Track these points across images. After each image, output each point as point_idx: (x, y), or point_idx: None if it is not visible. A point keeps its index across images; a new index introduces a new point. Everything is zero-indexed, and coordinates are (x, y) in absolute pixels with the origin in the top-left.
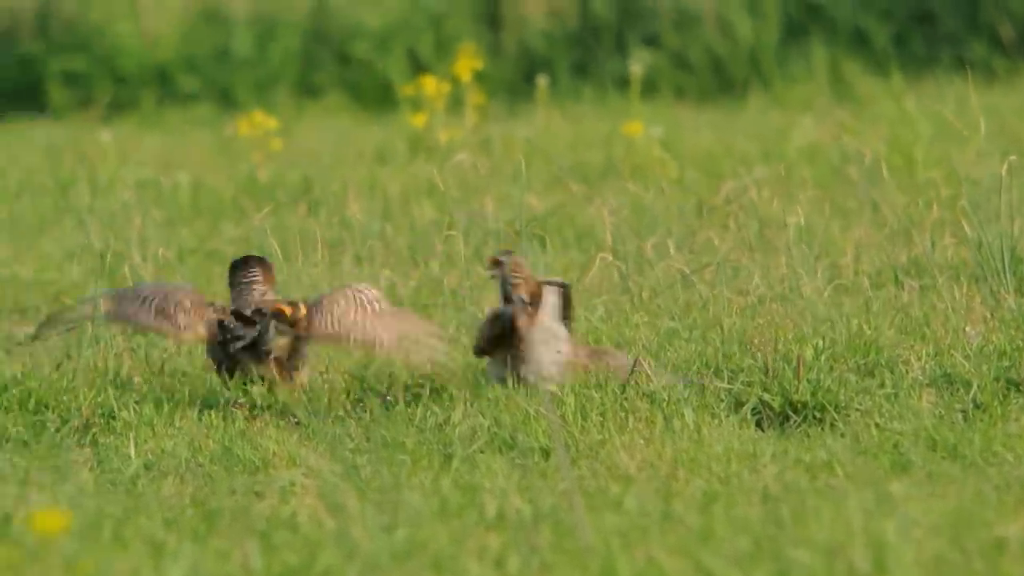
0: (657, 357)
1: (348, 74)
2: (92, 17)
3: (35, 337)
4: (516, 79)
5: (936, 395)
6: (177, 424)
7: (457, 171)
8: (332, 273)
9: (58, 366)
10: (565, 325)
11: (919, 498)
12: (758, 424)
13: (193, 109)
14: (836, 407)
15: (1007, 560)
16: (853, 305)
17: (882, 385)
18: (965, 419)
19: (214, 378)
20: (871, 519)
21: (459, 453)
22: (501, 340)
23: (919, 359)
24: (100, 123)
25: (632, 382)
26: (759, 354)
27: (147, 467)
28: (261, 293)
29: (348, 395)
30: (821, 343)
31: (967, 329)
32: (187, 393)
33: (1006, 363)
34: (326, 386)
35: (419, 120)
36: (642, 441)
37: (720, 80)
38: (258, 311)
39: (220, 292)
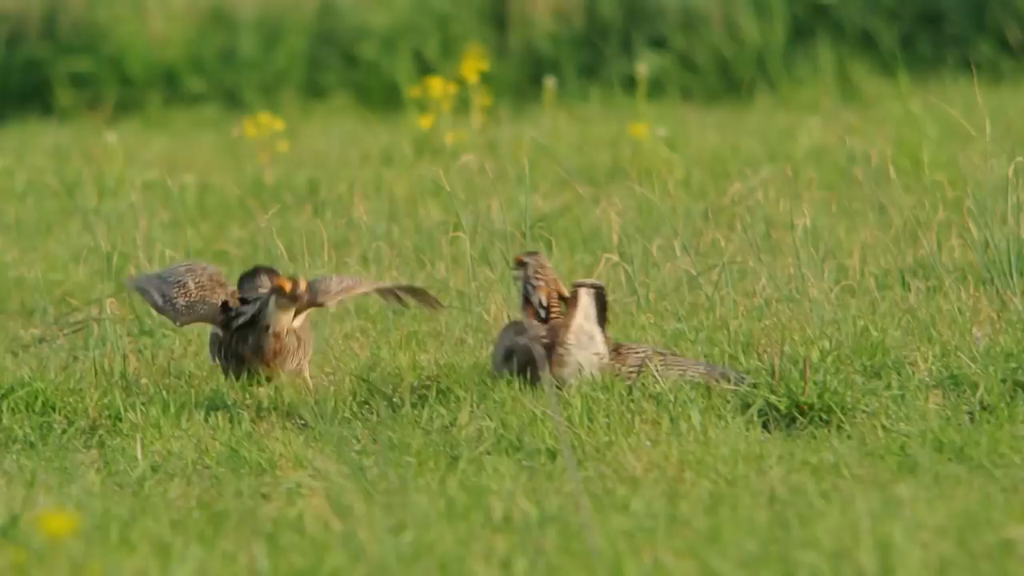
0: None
1: (354, 75)
2: (99, 18)
3: (43, 339)
4: (522, 80)
5: (943, 397)
6: (184, 426)
7: (463, 172)
8: (338, 274)
9: (65, 368)
10: (600, 326)
11: (926, 500)
12: (765, 426)
13: (199, 110)
14: (843, 409)
15: (1014, 562)
16: (859, 306)
17: (889, 387)
18: (972, 421)
19: (221, 380)
20: (878, 521)
21: (465, 455)
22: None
23: (926, 361)
24: (106, 124)
25: (639, 384)
26: (765, 356)
27: (154, 469)
28: None
29: (354, 397)
30: (827, 345)
31: (974, 331)
32: (194, 395)
33: (1013, 365)
34: (332, 388)
35: (425, 121)
36: (648, 443)
37: (727, 81)
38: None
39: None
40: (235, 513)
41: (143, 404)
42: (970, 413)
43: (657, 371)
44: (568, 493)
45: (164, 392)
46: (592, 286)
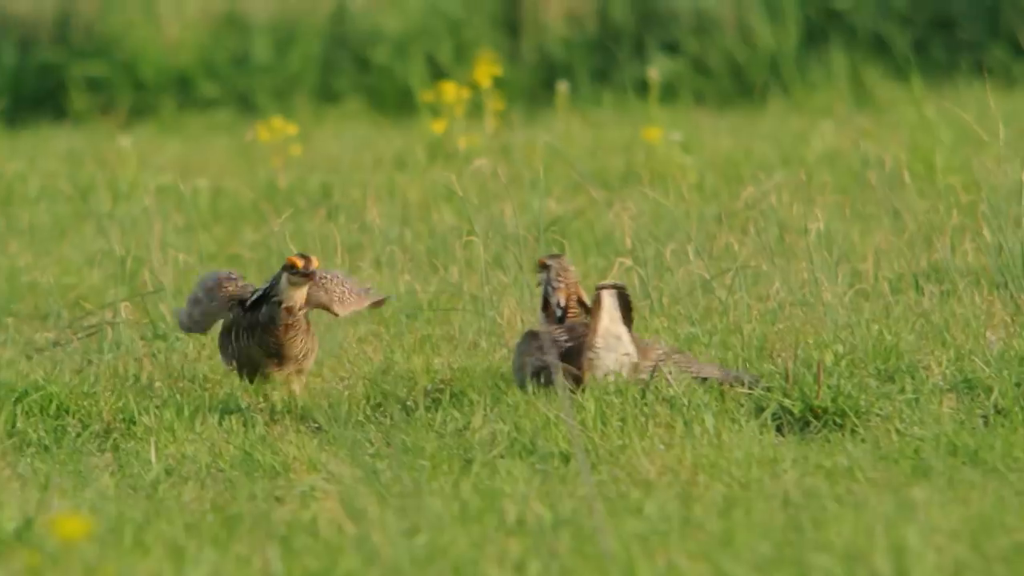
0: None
1: (367, 80)
2: (112, 23)
3: (57, 343)
4: (535, 85)
5: (957, 400)
6: (198, 429)
7: (476, 177)
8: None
9: (79, 371)
10: (627, 327)
11: (940, 504)
12: (778, 429)
13: (213, 115)
14: (856, 412)
15: None
16: (873, 310)
17: (902, 391)
18: (986, 424)
19: (235, 383)
20: (892, 525)
21: (479, 458)
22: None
23: (939, 364)
24: (120, 129)
25: (652, 387)
26: (779, 360)
27: (168, 472)
28: None
29: (368, 400)
30: (841, 348)
31: (987, 335)
32: (208, 398)
33: None
34: (346, 392)
35: (438, 126)
36: (662, 446)
37: (740, 85)
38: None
39: None
40: (249, 516)
41: (157, 408)
42: (984, 417)
43: (670, 372)
44: (582, 496)
45: (178, 396)
46: (614, 287)
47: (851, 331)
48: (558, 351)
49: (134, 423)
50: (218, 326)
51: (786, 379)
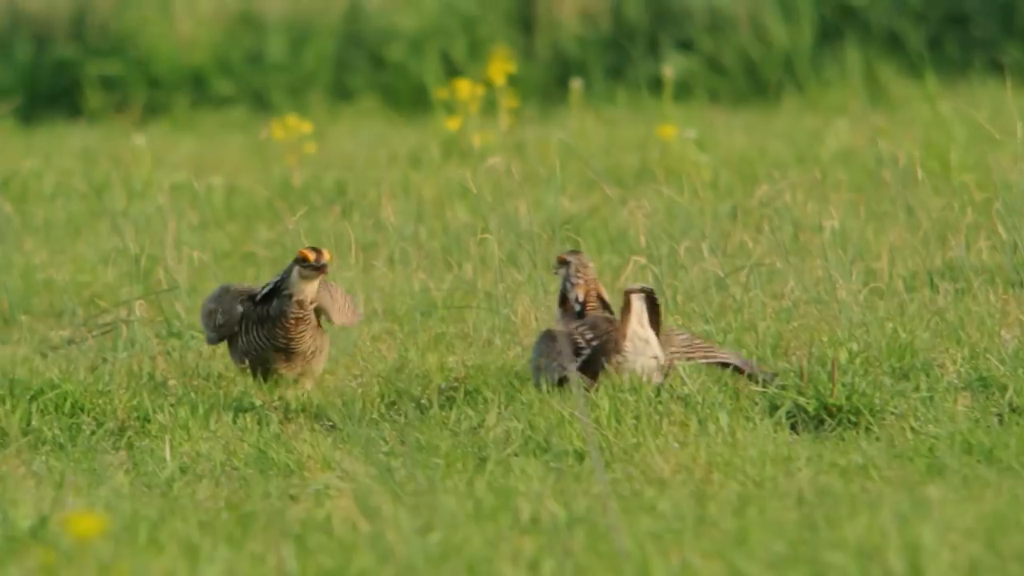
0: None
1: (382, 77)
2: (127, 21)
3: (72, 341)
4: (549, 82)
5: (971, 399)
6: (212, 427)
7: (491, 174)
8: (366, 276)
9: (94, 369)
10: (654, 329)
11: (954, 502)
12: (793, 427)
13: (227, 113)
14: (871, 411)
15: None
16: (888, 308)
17: (917, 389)
18: (1001, 423)
19: (249, 381)
20: (906, 523)
21: (493, 456)
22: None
23: (954, 363)
24: (135, 126)
25: (667, 384)
26: (794, 358)
27: (182, 470)
28: None
29: (382, 399)
30: (856, 346)
31: (1002, 333)
32: (222, 396)
33: None
34: (360, 390)
35: (453, 123)
36: (676, 444)
37: (754, 83)
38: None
39: None
40: (263, 514)
41: (172, 406)
42: (999, 415)
43: (692, 359)
44: (596, 495)
45: (193, 394)
46: (642, 290)
47: (866, 329)
48: (588, 350)
49: (149, 421)
50: None
51: (801, 377)
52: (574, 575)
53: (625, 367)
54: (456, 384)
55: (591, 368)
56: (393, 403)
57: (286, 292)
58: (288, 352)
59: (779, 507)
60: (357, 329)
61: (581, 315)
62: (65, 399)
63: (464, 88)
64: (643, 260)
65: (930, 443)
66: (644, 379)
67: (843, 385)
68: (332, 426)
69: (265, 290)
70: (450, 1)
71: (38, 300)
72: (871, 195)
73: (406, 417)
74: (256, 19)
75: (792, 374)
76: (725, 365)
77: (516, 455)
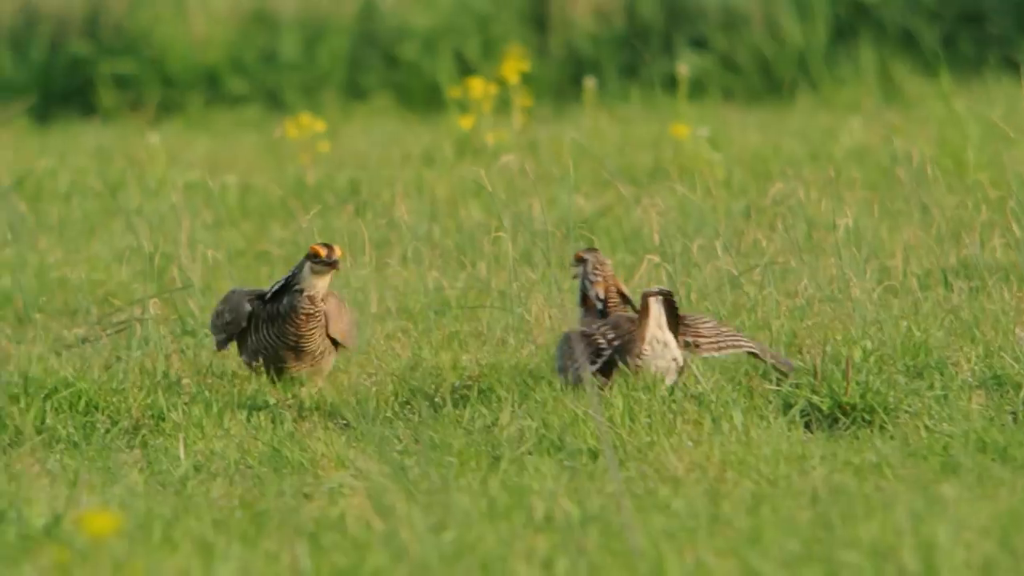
0: (705, 359)
1: (395, 76)
2: (141, 20)
3: (86, 339)
4: (563, 81)
5: (986, 397)
6: (226, 425)
7: (504, 173)
8: (380, 275)
9: (108, 368)
10: (673, 332)
11: (969, 500)
12: (807, 426)
13: (241, 111)
14: (885, 409)
15: None
16: (902, 307)
17: (931, 387)
18: (1015, 421)
19: (263, 379)
20: (920, 521)
21: (507, 455)
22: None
23: (969, 361)
24: (149, 125)
25: (680, 383)
26: (808, 356)
27: (196, 468)
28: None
29: (396, 397)
30: (870, 345)
31: (1017, 331)
32: (236, 394)
33: None
34: (374, 388)
35: (466, 122)
36: (690, 443)
37: (768, 81)
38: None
39: None
40: (277, 513)
41: (186, 404)
42: (1013, 413)
43: (722, 348)
44: (610, 493)
45: (207, 392)
46: (660, 293)
47: (880, 327)
48: (609, 351)
49: (163, 419)
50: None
51: (815, 375)
52: (588, 574)
53: (644, 370)
54: (470, 383)
55: (612, 369)
56: (407, 402)
57: (297, 288)
58: (298, 350)
59: (793, 506)
60: (371, 328)
61: (604, 313)
62: (79, 397)
63: (478, 87)
64: (657, 259)
65: (944, 441)
66: (667, 381)
67: (857, 383)
68: (346, 424)
69: (276, 287)
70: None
71: (52, 299)
72: (885, 193)
73: (420, 415)
74: (270, 18)
75: (806, 373)
76: (750, 354)
77: (530, 453)
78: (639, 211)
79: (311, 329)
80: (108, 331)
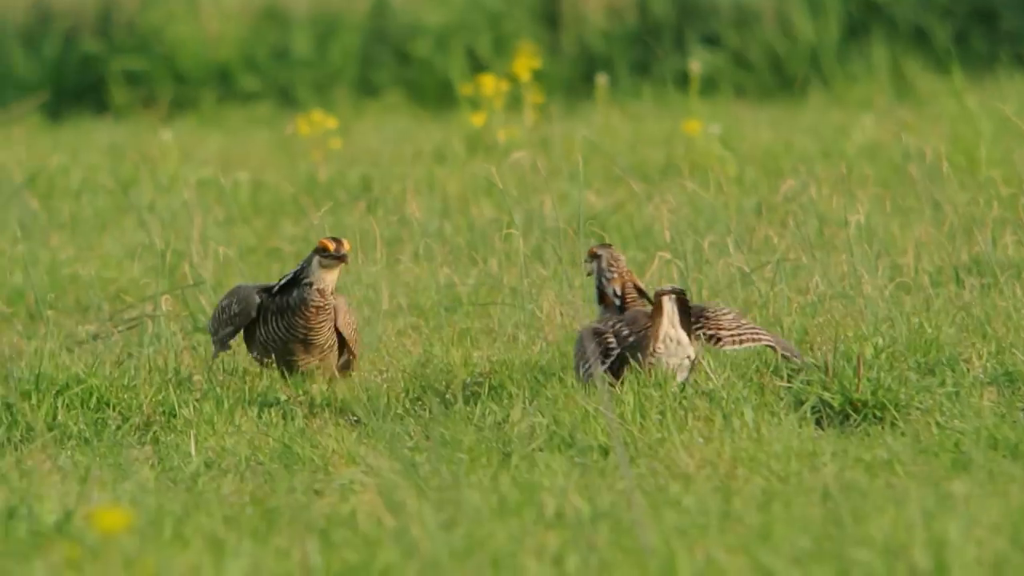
0: (716, 356)
1: (407, 73)
2: (153, 17)
3: (97, 336)
4: (575, 78)
5: (997, 394)
6: (237, 422)
7: (516, 170)
8: (391, 271)
9: (119, 364)
10: (686, 330)
11: (980, 497)
12: (818, 423)
13: (253, 108)
14: (896, 406)
15: None
16: (914, 303)
17: (943, 384)
18: None
19: (274, 376)
20: (932, 518)
21: (518, 451)
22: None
23: (980, 358)
24: (161, 122)
25: (692, 380)
26: (819, 353)
27: (207, 465)
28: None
29: (407, 394)
30: (881, 341)
31: None
32: (247, 391)
33: None
34: (385, 385)
35: (478, 119)
36: (701, 439)
37: (780, 78)
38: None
39: None
40: (288, 509)
41: (197, 400)
42: None
43: (742, 340)
44: (621, 490)
45: (218, 388)
46: (673, 291)
47: (891, 324)
48: (618, 350)
49: (174, 416)
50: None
51: (826, 372)
52: (599, 570)
53: (657, 368)
54: (481, 379)
55: (623, 367)
56: (418, 398)
57: (306, 281)
58: (307, 343)
59: (804, 502)
60: (382, 324)
61: (622, 309)
62: (91, 394)
63: (489, 84)
64: (668, 255)
65: (956, 438)
66: (679, 378)
67: (868, 380)
68: (357, 421)
69: (284, 280)
70: None
71: (64, 295)
72: (897, 190)
73: (431, 412)
74: (282, 15)
75: (817, 369)
76: (769, 347)
77: (541, 450)
78: (651, 208)
79: (320, 322)
80: (120, 328)
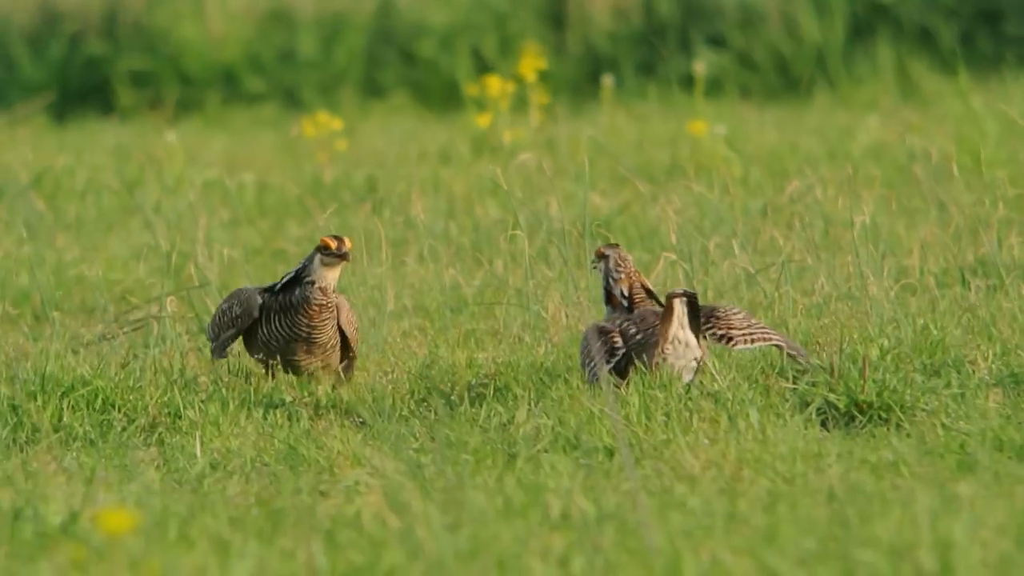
0: (721, 357)
1: (413, 74)
2: (158, 18)
3: (103, 337)
4: (581, 78)
5: (1003, 395)
6: (243, 424)
7: (521, 171)
8: (396, 272)
9: (125, 366)
10: (695, 332)
11: (986, 498)
12: (823, 424)
13: (258, 109)
14: (902, 407)
15: None
16: (919, 305)
17: (948, 385)
18: None
19: (279, 378)
20: (937, 519)
21: (523, 453)
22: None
23: (986, 359)
24: (167, 123)
25: (697, 381)
26: (825, 354)
27: (213, 466)
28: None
29: (412, 395)
30: (887, 343)
31: None
32: (252, 392)
33: None
34: (390, 386)
35: (483, 120)
36: (707, 441)
37: (785, 79)
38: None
39: None
40: (293, 510)
41: (202, 402)
42: None
43: (753, 339)
44: (626, 491)
45: (223, 390)
46: (684, 294)
47: (897, 325)
48: (623, 349)
49: (179, 417)
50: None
51: (831, 374)
52: (604, 572)
53: (664, 369)
54: (486, 381)
55: (629, 367)
56: (423, 400)
57: (308, 279)
58: (309, 342)
59: (809, 504)
60: (387, 325)
61: (630, 310)
62: (96, 395)
63: (495, 84)
64: (673, 257)
65: (961, 440)
66: (685, 378)
67: (874, 382)
68: (362, 422)
69: (286, 278)
70: None
71: (70, 296)
72: (902, 191)
73: (436, 413)
74: (287, 16)
75: (823, 371)
76: (777, 347)
77: (546, 451)
78: (656, 209)
79: (323, 320)
80: (125, 329)
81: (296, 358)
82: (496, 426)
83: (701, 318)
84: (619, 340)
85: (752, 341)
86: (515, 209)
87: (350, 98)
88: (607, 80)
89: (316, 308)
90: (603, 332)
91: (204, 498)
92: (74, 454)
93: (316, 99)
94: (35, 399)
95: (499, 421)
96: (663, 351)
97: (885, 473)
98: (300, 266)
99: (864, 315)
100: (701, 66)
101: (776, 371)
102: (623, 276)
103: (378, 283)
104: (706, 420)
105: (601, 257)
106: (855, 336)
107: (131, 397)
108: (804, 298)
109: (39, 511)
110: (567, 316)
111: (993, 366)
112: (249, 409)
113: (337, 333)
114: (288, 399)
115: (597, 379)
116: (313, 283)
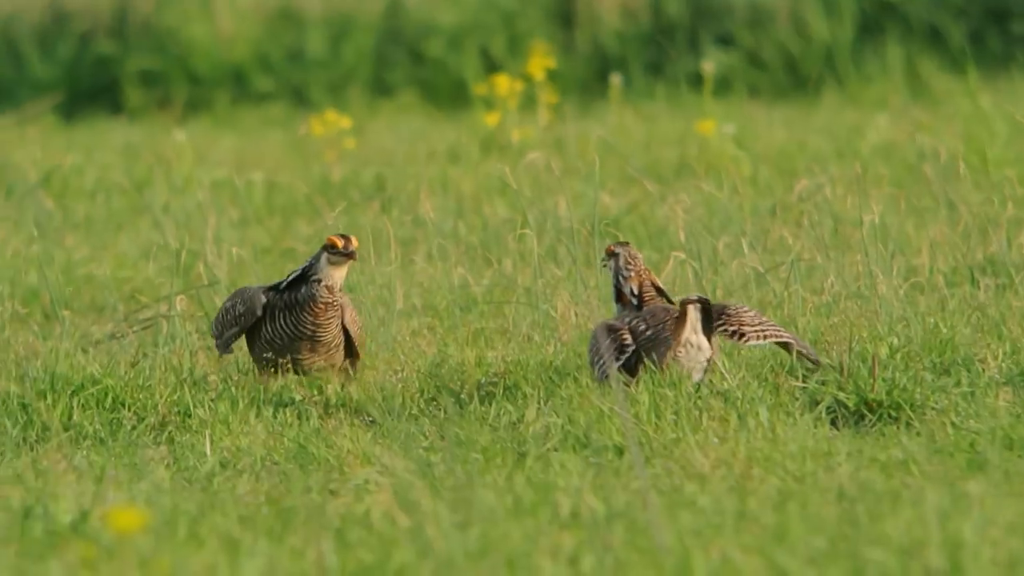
0: (731, 356)
1: (421, 73)
2: (167, 18)
3: (113, 336)
4: (589, 78)
5: (1013, 394)
6: (252, 422)
7: (530, 170)
8: (405, 271)
9: (134, 364)
10: (707, 335)
11: (996, 497)
12: (833, 423)
13: (267, 109)
14: (912, 406)
15: None
16: (929, 304)
17: (958, 384)
18: None
19: (289, 376)
20: (947, 518)
21: (533, 451)
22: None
23: (995, 358)
24: (176, 123)
25: (707, 380)
26: (834, 353)
27: (223, 465)
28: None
29: (422, 394)
30: (896, 342)
31: None
32: (262, 391)
33: None
34: (400, 385)
35: (492, 119)
36: (716, 439)
37: (794, 78)
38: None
39: None
40: (303, 509)
41: (212, 400)
42: None
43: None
44: (636, 490)
45: (233, 389)
46: (698, 300)
47: (906, 324)
48: (633, 347)
49: (189, 416)
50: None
51: (841, 372)
52: (614, 570)
53: (675, 371)
54: (495, 379)
55: (638, 366)
56: (433, 398)
57: (314, 278)
58: (314, 341)
59: (819, 502)
60: (396, 324)
61: (640, 308)
62: (106, 394)
63: (503, 83)
64: (683, 256)
65: (971, 438)
66: (696, 379)
67: (883, 380)
68: (372, 421)
69: (292, 276)
70: None
71: (79, 295)
72: (911, 190)
73: (445, 412)
74: (296, 15)
75: (832, 369)
76: (787, 345)
77: (555, 450)
78: (665, 208)
79: (329, 318)
80: (135, 328)
81: (299, 357)
82: (506, 425)
83: (712, 322)
84: (628, 338)
85: (765, 337)
86: (524, 208)
87: (359, 97)
88: (615, 79)
89: (322, 306)
90: (612, 330)
91: (214, 497)
92: (84, 453)
93: (325, 98)
94: (45, 398)
95: (509, 420)
96: (675, 354)
97: (895, 472)
98: (307, 264)
99: (873, 314)
100: (710, 65)
101: (786, 370)
102: (633, 274)
103: (387, 282)
104: (716, 419)
105: (611, 255)
106: (865, 335)
107: (141, 396)
108: (813, 297)
109: (49, 510)
110: (576, 315)
111: (1003, 365)
112: (259, 408)
113: (341, 332)
114: (298, 398)
115: (607, 377)
116: (319, 281)
